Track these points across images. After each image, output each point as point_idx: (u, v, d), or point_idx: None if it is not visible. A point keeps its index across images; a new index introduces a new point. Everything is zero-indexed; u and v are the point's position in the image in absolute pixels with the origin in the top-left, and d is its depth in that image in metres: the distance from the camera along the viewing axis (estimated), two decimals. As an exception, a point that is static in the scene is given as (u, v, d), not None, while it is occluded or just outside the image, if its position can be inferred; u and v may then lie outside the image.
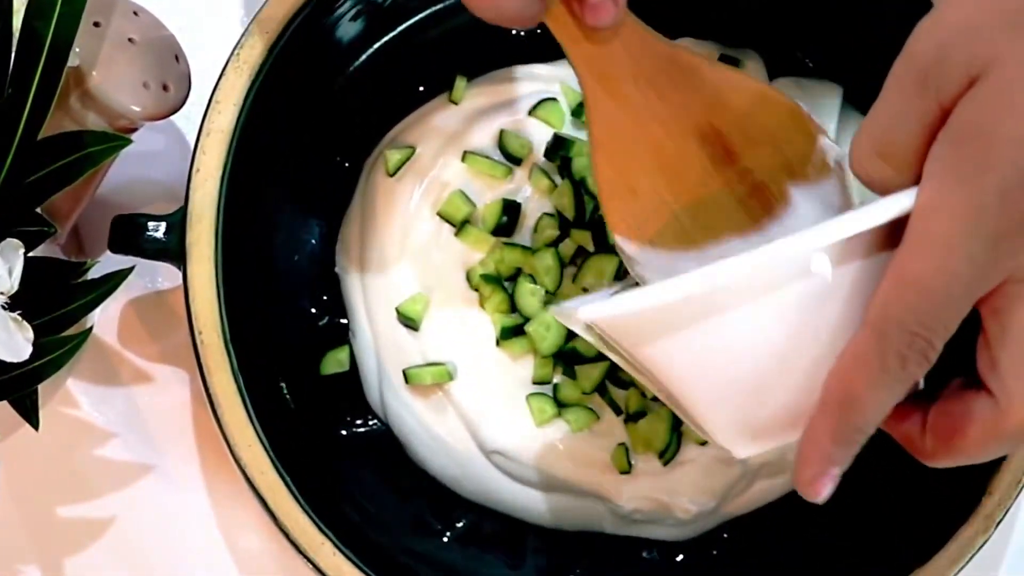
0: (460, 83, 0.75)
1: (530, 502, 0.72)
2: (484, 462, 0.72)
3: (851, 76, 0.76)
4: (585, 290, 0.72)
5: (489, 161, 0.73)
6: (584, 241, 0.72)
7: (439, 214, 0.73)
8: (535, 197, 0.74)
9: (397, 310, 0.72)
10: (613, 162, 0.58)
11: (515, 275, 0.73)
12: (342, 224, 0.75)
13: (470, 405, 0.72)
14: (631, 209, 0.58)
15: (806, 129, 0.58)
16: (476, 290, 0.72)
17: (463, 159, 0.73)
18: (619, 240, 0.59)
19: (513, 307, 0.72)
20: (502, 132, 0.74)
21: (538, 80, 0.75)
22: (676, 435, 0.71)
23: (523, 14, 0.54)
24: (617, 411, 0.72)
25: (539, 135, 0.74)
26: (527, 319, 0.71)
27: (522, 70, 0.76)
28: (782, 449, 0.72)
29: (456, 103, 0.75)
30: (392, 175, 0.74)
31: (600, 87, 0.57)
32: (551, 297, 0.72)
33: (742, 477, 0.72)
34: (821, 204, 0.58)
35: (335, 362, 0.74)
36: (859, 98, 0.76)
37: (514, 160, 0.74)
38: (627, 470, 0.71)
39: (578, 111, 0.74)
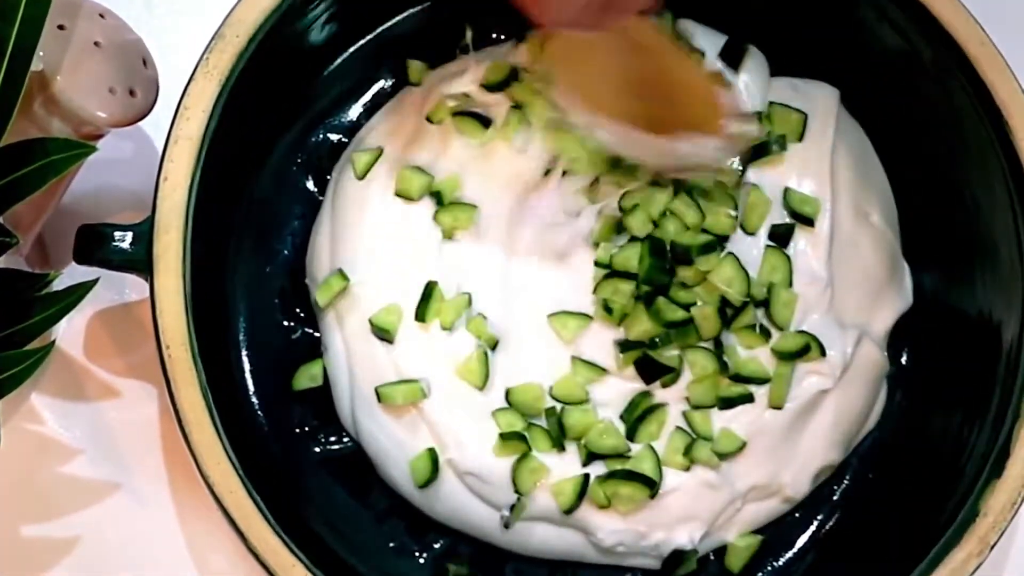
0: (413, 64, 0.75)
1: (506, 530, 0.70)
2: (458, 485, 0.70)
3: (847, 80, 0.75)
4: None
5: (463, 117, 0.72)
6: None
7: (396, 194, 0.71)
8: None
9: (370, 321, 0.70)
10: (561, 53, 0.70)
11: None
12: (312, 232, 0.74)
13: (444, 424, 0.70)
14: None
15: (715, 109, 0.70)
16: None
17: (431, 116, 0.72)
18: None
19: None
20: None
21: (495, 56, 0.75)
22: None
23: None
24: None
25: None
26: None
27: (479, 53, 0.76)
28: (772, 471, 0.71)
29: (417, 84, 0.74)
30: (361, 178, 0.72)
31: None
32: None
33: (730, 503, 0.70)
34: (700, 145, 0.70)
35: (308, 377, 0.72)
36: (854, 102, 0.76)
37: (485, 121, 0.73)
38: (606, 505, 0.69)
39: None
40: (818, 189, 0.73)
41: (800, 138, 0.73)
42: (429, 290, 0.70)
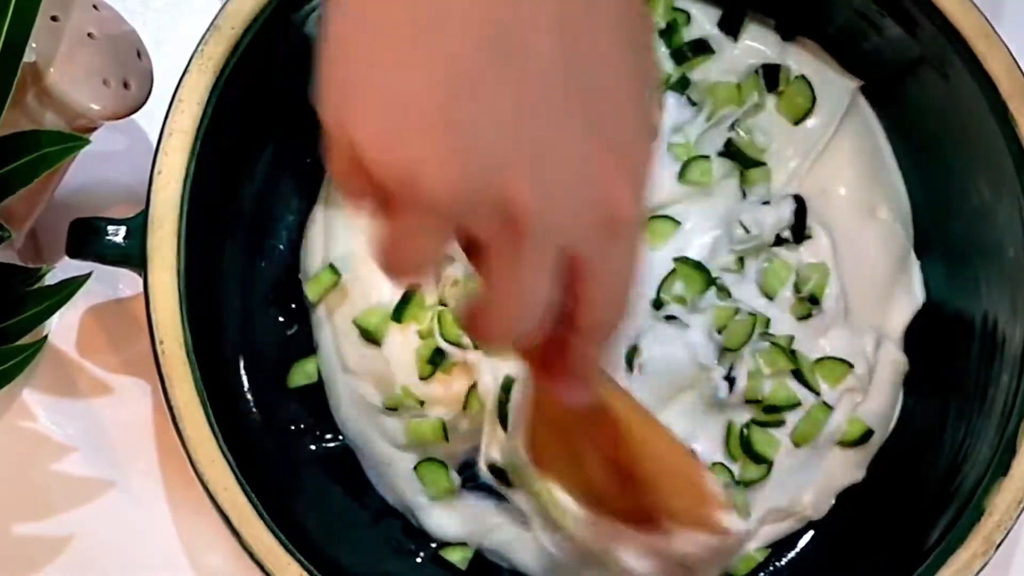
0: None
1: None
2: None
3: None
4: None
5: None
6: None
7: None
8: None
9: (355, 322, 0.69)
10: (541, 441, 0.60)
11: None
12: (306, 228, 0.73)
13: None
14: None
15: (702, 499, 0.59)
16: None
17: None
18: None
19: None
20: None
21: None
22: None
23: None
24: None
25: None
26: None
27: None
28: (793, 495, 0.70)
29: None
30: None
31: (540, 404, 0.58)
32: None
33: (748, 534, 0.70)
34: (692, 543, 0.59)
35: (303, 374, 0.72)
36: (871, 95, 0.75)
37: None
38: None
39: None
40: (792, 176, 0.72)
41: (798, 122, 0.73)
42: (410, 292, 0.69)
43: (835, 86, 0.74)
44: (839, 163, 0.73)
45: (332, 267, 0.70)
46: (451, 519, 0.70)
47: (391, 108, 0.41)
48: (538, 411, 0.58)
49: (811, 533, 0.72)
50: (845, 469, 0.71)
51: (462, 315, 0.46)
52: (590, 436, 0.58)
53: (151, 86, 0.69)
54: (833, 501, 0.71)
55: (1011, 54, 0.67)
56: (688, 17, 0.73)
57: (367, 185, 0.43)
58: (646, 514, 0.59)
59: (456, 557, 0.70)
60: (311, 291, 0.70)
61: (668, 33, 0.72)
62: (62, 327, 0.74)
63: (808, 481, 0.70)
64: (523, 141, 0.42)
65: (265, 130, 0.72)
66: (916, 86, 0.72)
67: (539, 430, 0.59)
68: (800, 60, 0.74)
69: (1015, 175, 0.67)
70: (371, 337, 0.69)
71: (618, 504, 0.59)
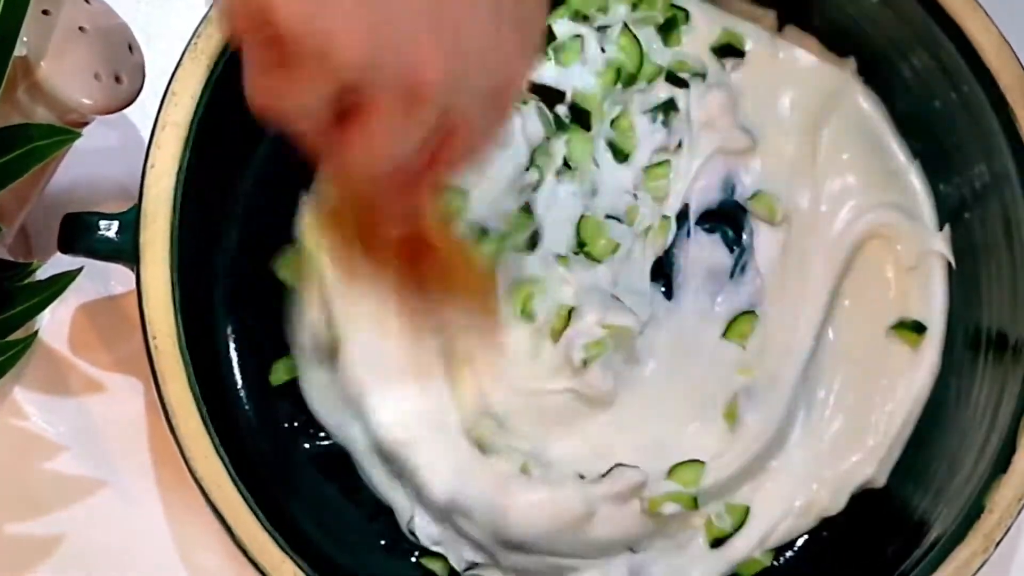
0: None
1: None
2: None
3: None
4: None
5: None
6: None
7: None
8: None
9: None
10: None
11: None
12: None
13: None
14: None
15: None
16: None
17: None
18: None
19: None
20: None
21: None
22: None
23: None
24: None
25: None
26: None
27: None
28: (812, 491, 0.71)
29: None
30: None
31: None
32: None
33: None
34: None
35: (285, 370, 0.71)
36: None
37: None
38: None
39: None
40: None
41: None
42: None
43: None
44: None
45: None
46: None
47: None
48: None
49: (810, 532, 0.72)
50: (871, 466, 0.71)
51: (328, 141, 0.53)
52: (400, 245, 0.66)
53: (143, 80, 0.68)
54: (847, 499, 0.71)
55: (1012, 49, 0.67)
56: (687, 15, 0.73)
57: (261, 34, 0.49)
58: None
59: (437, 566, 0.70)
60: (282, 271, 0.70)
61: (666, 29, 0.73)
62: (54, 324, 0.74)
63: (828, 478, 0.71)
64: (435, 19, 0.48)
65: (260, 124, 0.71)
66: (917, 82, 0.72)
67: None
68: (791, 51, 0.74)
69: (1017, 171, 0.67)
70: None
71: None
